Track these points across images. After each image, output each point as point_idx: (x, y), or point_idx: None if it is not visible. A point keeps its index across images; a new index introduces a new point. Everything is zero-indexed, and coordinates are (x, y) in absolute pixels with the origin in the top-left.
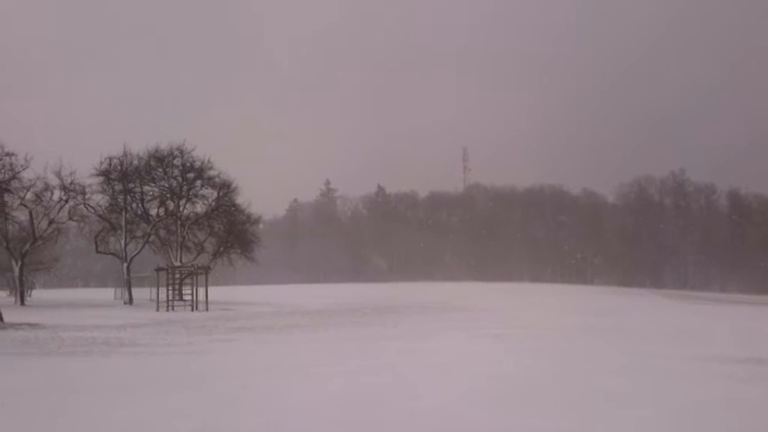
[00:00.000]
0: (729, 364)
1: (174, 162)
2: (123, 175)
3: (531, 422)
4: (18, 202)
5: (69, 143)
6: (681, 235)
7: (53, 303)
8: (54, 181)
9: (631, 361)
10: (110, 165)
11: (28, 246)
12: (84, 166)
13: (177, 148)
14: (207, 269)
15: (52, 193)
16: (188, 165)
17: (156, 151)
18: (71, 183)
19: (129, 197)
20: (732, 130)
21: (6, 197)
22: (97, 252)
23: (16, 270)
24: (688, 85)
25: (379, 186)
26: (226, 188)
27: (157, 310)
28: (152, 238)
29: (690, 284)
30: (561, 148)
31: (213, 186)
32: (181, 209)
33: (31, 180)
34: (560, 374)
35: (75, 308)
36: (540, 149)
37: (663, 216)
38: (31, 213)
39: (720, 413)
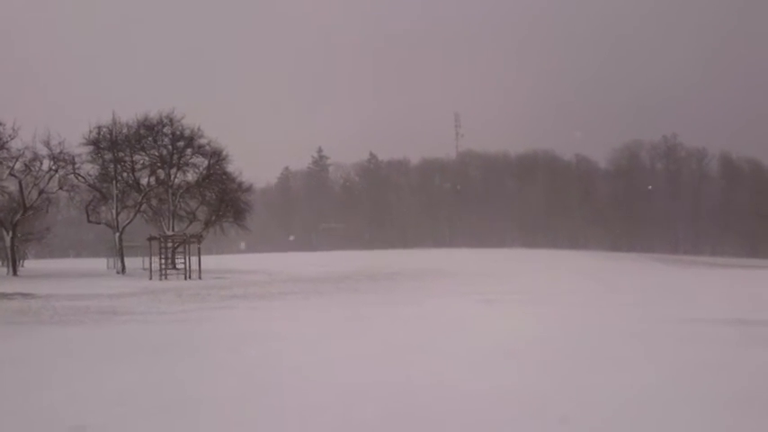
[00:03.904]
0: (720, 326)
1: (164, 130)
2: (113, 144)
3: (526, 383)
4: (7, 172)
5: (57, 112)
6: (672, 199)
7: (45, 273)
8: (43, 150)
9: (623, 324)
10: (99, 134)
11: (18, 216)
12: (74, 136)
13: (167, 117)
14: (199, 237)
15: (41, 163)
16: (178, 133)
17: (146, 120)
18: (60, 152)
19: (119, 166)
20: (725, 94)
21: None
22: (88, 222)
23: (7, 240)
24: (680, 50)
25: (371, 154)
26: (216, 156)
27: (150, 279)
28: (143, 207)
29: (681, 249)
30: (554, 113)
31: (204, 155)
32: (172, 178)
33: (19, 150)
34: (552, 338)
35: (68, 278)
36: (533, 115)
37: (655, 181)
38: (20, 183)
39: (708, 374)
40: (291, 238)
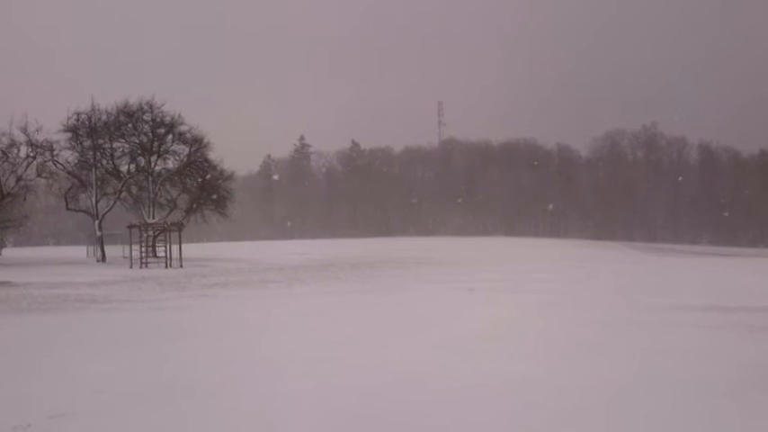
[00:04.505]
0: (696, 313)
1: (144, 117)
2: (92, 131)
3: (500, 367)
4: None
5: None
6: (652, 188)
7: (24, 261)
8: (20, 137)
9: (602, 310)
10: (78, 120)
11: None
12: (52, 122)
13: (147, 103)
14: (180, 225)
15: (19, 150)
16: (158, 120)
17: (126, 106)
18: (38, 139)
19: (98, 153)
20: (705, 83)
21: None
22: (67, 209)
23: None
24: (661, 41)
25: (353, 142)
26: (197, 144)
27: (131, 268)
28: (123, 194)
29: (661, 237)
30: (536, 102)
31: (185, 142)
32: (152, 165)
33: None
34: (530, 324)
35: (47, 265)
36: (516, 104)
37: (635, 169)
38: None
39: (682, 358)
40: (289, 224)
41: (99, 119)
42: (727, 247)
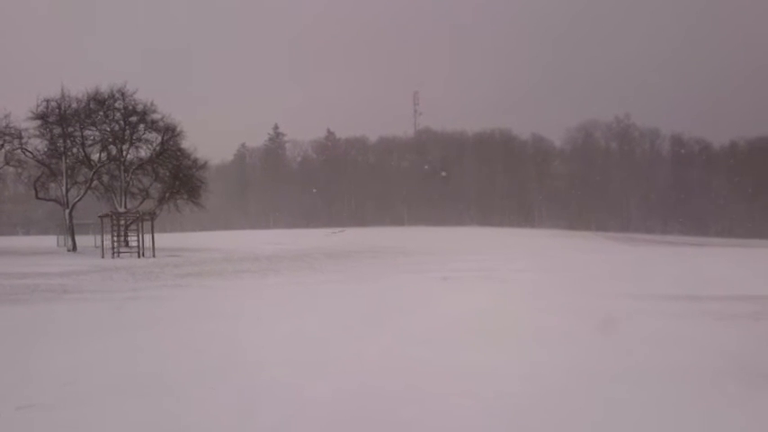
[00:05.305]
0: (668, 302)
1: (116, 105)
2: (62, 119)
3: (468, 357)
4: None
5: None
6: (625, 179)
7: None
8: None
9: (573, 300)
10: (47, 107)
11: None
12: (20, 109)
13: (118, 91)
14: (153, 215)
15: None
16: (130, 108)
17: (96, 94)
18: (6, 126)
19: (68, 141)
20: (677, 76)
21: None
22: (37, 198)
23: None
24: (633, 32)
25: (328, 131)
26: (170, 132)
27: (102, 257)
28: (95, 183)
29: (633, 227)
30: (511, 93)
31: (157, 130)
32: (124, 153)
33: None
34: (502, 313)
35: (16, 255)
36: (491, 95)
37: (608, 160)
38: None
39: (652, 346)
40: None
41: (69, 106)
42: (697, 237)
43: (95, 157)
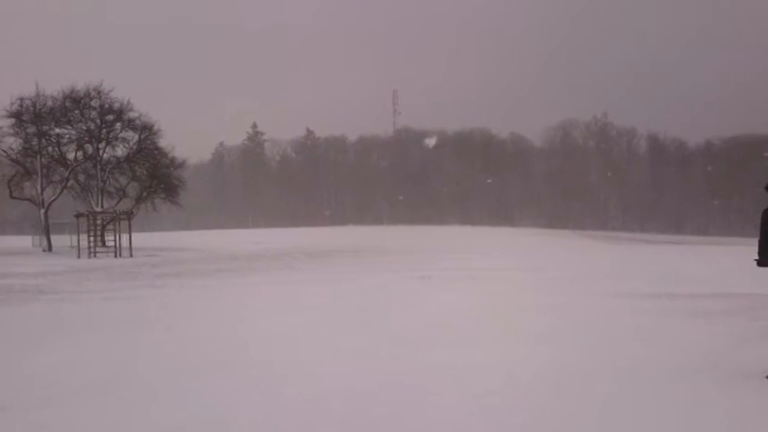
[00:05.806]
0: (645, 300)
1: (92, 103)
2: (37, 117)
3: (451, 357)
4: None
5: None
6: (603, 178)
7: None
8: None
9: (552, 298)
10: (21, 106)
11: None
12: None
13: (94, 89)
14: (130, 214)
15: None
16: (106, 106)
17: (72, 92)
18: None
19: (43, 140)
20: (653, 75)
21: None
22: (11, 198)
23: None
24: (612, 30)
25: (308, 130)
26: (147, 131)
27: (79, 258)
28: (70, 182)
29: (611, 225)
30: (490, 92)
31: (134, 129)
32: (100, 152)
33: None
34: (481, 312)
35: None
36: (470, 94)
37: (587, 159)
38: None
39: (631, 343)
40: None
41: (44, 104)
42: (673, 235)
43: (71, 155)
